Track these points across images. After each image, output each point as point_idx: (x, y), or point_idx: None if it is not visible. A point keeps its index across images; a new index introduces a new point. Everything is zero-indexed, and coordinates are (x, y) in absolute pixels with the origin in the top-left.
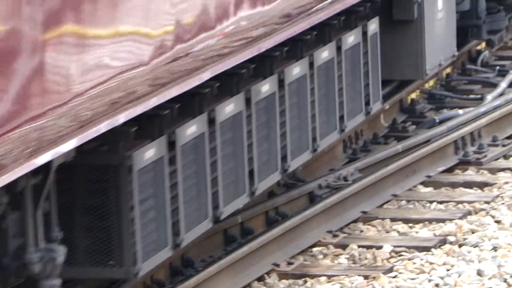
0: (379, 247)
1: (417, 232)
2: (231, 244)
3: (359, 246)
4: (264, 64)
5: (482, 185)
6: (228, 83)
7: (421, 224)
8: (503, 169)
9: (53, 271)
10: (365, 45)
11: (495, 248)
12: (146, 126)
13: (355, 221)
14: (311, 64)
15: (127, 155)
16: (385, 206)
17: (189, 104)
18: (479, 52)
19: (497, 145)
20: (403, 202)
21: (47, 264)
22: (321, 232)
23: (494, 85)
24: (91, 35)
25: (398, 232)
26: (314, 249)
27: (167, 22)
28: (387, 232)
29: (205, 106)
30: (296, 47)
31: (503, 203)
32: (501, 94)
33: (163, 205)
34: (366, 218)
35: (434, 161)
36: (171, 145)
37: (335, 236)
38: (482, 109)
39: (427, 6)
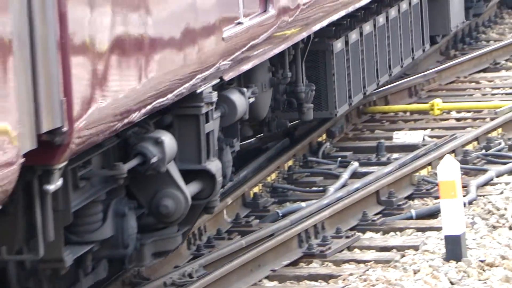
0: None
1: None
2: None
3: None
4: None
5: (327, 278)
6: (366, 14)
7: None
8: (347, 261)
9: (310, 98)
10: (421, 5)
11: None
12: (335, 31)
13: None
14: (399, 10)
15: (330, 44)
16: None
17: (351, 22)
18: (320, 144)
19: (341, 237)
20: None
21: (308, 94)
22: None
23: (336, 177)
24: None
25: None
26: None
27: None
28: None
29: (357, 24)
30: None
31: None
32: (344, 186)
33: (344, 78)
34: None
35: (279, 255)
36: (346, 43)
37: None
38: (325, 201)
39: None
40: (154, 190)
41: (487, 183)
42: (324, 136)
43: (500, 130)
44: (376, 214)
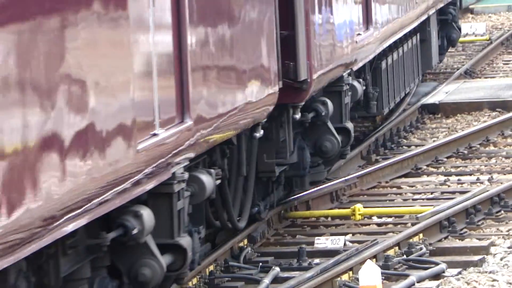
0: None
1: None
2: None
3: None
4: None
5: None
6: (394, 46)
7: None
8: None
9: (374, 97)
10: (417, 45)
11: None
12: (382, 55)
13: None
14: (408, 46)
15: (380, 63)
16: None
17: (387, 50)
18: (241, 249)
19: None
20: None
21: (374, 94)
22: None
23: (258, 282)
24: None
25: None
26: None
27: None
28: None
29: (389, 52)
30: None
31: None
32: None
33: (386, 89)
34: None
35: None
36: (386, 64)
37: None
38: None
39: (432, 32)
40: (317, 135)
41: None
42: (246, 241)
43: (421, 235)
44: None
